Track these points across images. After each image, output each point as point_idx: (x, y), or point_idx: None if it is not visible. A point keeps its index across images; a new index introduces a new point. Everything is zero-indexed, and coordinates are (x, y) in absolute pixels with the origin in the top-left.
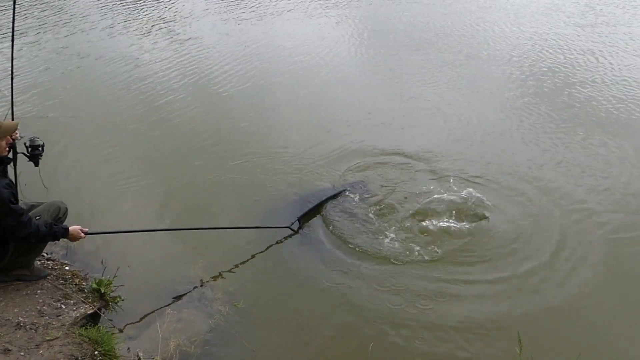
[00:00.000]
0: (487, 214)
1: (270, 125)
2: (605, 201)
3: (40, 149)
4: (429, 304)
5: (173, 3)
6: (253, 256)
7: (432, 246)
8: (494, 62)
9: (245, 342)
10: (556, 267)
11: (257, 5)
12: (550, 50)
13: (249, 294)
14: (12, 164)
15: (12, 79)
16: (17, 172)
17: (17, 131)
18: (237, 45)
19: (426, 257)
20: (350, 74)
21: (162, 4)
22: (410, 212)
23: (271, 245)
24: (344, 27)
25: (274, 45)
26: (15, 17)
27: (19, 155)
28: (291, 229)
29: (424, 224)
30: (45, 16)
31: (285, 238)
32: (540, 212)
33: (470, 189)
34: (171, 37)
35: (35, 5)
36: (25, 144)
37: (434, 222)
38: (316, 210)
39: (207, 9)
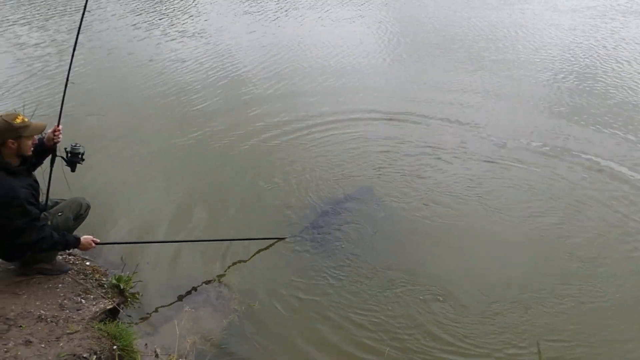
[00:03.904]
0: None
1: (303, 131)
2: None
3: (80, 156)
4: (444, 307)
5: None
6: (271, 258)
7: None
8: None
9: (258, 343)
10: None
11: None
12: None
13: (264, 296)
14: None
15: (66, 85)
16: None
17: (60, 134)
18: (265, 45)
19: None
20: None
21: (190, 3)
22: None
23: (289, 250)
24: (382, 31)
25: (305, 45)
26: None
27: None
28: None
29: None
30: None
31: (304, 244)
32: None
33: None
34: (199, 36)
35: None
36: (65, 149)
37: None
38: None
39: (235, 9)
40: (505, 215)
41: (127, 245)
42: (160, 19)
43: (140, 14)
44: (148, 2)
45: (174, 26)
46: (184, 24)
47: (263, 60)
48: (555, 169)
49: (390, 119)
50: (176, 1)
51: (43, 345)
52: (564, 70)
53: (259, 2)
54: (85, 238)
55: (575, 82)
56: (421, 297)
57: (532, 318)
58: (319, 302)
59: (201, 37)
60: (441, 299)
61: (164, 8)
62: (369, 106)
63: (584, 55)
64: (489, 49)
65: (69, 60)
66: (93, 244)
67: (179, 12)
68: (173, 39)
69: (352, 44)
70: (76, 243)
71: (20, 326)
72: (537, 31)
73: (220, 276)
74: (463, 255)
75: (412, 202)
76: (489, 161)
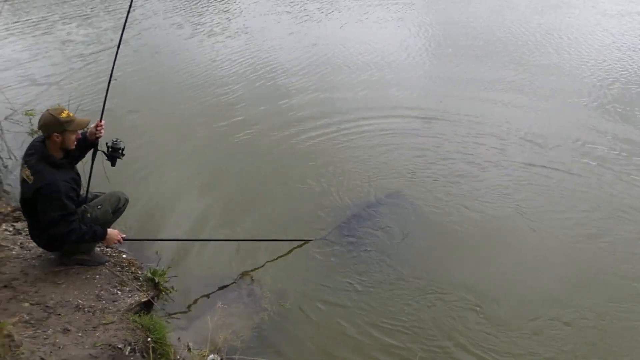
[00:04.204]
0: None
1: (339, 133)
2: None
3: (120, 151)
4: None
5: (245, 3)
6: (301, 260)
7: None
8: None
9: (287, 344)
10: None
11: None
12: None
13: (294, 297)
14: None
15: (109, 81)
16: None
17: (102, 129)
18: (306, 46)
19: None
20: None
21: (233, 3)
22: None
23: (319, 252)
24: (423, 34)
25: (341, 46)
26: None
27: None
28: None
29: None
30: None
31: (333, 246)
32: None
33: None
34: (241, 36)
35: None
36: (107, 143)
37: None
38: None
39: (277, 9)
40: (544, 225)
41: (162, 240)
42: (203, 19)
43: (184, 14)
44: (192, 2)
45: (217, 25)
46: (226, 23)
47: (302, 60)
48: (600, 177)
49: (427, 120)
50: (221, 1)
51: (80, 334)
52: (611, 76)
53: (300, 3)
54: (112, 231)
55: (623, 89)
56: (454, 308)
57: (574, 338)
58: (347, 307)
59: (243, 36)
60: (475, 310)
61: (208, 7)
62: (406, 106)
63: (632, 61)
64: (533, 53)
65: (113, 58)
66: (119, 238)
67: (222, 12)
68: (215, 38)
69: (392, 45)
70: (103, 235)
71: (59, 314)
72: (584, 36)
73: (252, 274)
74: (498, 265)
75: (444, 206)
76: (528, 166)
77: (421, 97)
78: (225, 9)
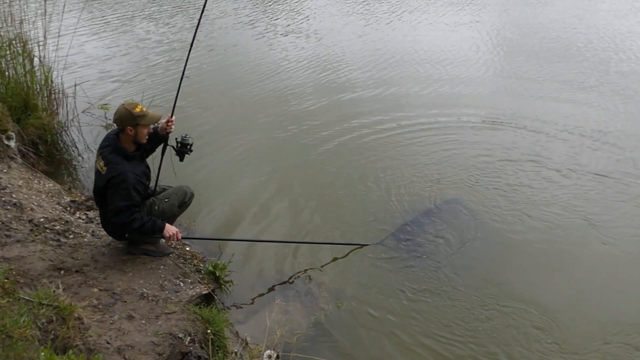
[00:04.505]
0: None
1: (402, 135)
2: None
3: (189, 147)
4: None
5: (317, 4)
6: (357, 263)
7: None
8: None
9: (342, 345)
10: None
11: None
12: None
13: (350, 299)
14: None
15: (181, 79)
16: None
17: (173, 125)
18: (378, 49)
19: None
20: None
21: (305, 3)
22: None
23: (375, 257)
24: (499, 37)
25: (409, 49)
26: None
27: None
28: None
29: None
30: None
31: (389, 252)
32: None
33: None
34: (311, 37)
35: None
36: (176, 139)
37: None
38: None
39: (348, 11)
40: (617, 240)
41: (226, 235)
42: (274, 19)
43: (256, 14)
44: (264, 2)
45: (287, 26)
46: (297, 23)
47: (372, 62)
48: None
49: (494, 123)
50: (292, 1)
51: (144, 322)
52: None
53: (372, 5)
54: (171, 227)
55: None
56: (514, 323)
57: None
58: (402, 314)
59: (312, 37)
60: (539, 328)
61: (279, 8)
62: (473, 109)
63: None
64: (613, 59)
65: (186, 56)
66: (178, 236)
67: (293, 12)
68: (286, 39)
69: (466, 49)
70: (162, 227)
71: (125, 301)
72: None
73: (309, 274)
74: (564, 279)
75: (507, 215)
76: (602, 176)
77: (490, 100)
78: (296, 10)
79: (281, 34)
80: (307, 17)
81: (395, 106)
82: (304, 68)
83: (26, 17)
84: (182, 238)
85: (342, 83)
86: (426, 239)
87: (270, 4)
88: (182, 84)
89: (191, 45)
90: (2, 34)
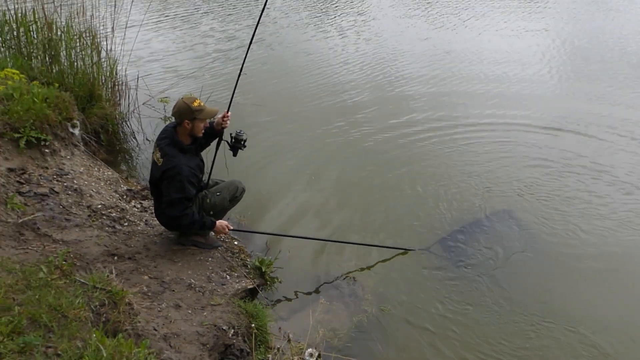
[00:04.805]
0: None
1: (457, 140)
2: None
3: (242, 142)
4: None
5: (381, 6)
6: (403, 268)
7: None
8: None
9: (382, 349)
10: None
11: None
12: None
13: (393, 304)
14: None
15: (239, 75)
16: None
17: (228, 120)
18: (437, 53)
19: None
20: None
21: (368, 5)
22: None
23: (421, 263)
24: (567, 46)
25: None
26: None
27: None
28: (430, 251)
29: None
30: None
31: (435, 259)
32: None
33: None
34: (373, 39)
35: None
36: (231, 134)
37: None
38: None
39: (412, 14)
40: None
41: (270, 234)
42: (337, 20)
43: (319, 15)
44: (329, 2)
45: (350, 28)
46: (360, 25)
47: (432, 67)
48: None
49: (553, 131)
50: (355, 3)
51: (190, 311)
52: None
53: (436, 8)
54: (221, 222)
55: None
56: (562, 344)
57: None
58: (445, 324)
59: (375, 39)
60: (589, 350)
61: (343, 9)
62: (533, 118)
63: None
64: None
65: (245, 53)
66: (226, 230)
67: (357, 14)
68: (347, 40)
69: (530, 56)
70: (212, 226)
71: (173, 290)
72: None
73: (354, 275)
74: (620, 301)
75: (559, 229)
76: None
77: (555, 105)
78: (361, 11)
79: (344, 35)
80: (371, 18)
81: (451, 105)
82: (363, 70)
83: (96, 11)
84: (231, 230)
85: (401, 87)
86: (473, 250)
87: (335, 5)
88: (239, 81)
89: (250, 43)
90: (73, 26)
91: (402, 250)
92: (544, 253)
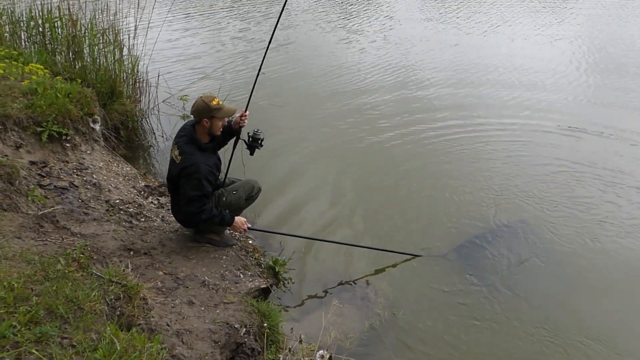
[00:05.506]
0: None
1: (478, 148)
2: None
3: (260, 142)
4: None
5: (395, 6)
6: (415, 273)
7: None
8: None
9: (394, 354)
10: None
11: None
12: None
13: (409, 307)
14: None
15: (257, 75)
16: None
17: (246, 119)
18: (466, 59)
19: None
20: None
21: (396, 10)
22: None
23: (433, 270)
24: (600, 55)
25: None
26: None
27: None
28: (446, 258)
29: None
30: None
31: (447, 266)
32: None
33: None
34: (402, 44)
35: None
36: (248, 133)
37: None
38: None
39: (443, 19)
40: None
41: (285, 235)
42: (363, 23)
43: (347, 18)
44: (357, 5)
45: (378, 32)
46: (389, 29)
47: (459, 72)
48: None
49: (576, 131)
50: (383, 7)
51: (203, 308)
52: None
53: (467, 14)
54: (239, 219)
55: None
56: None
57: None
58: (457, 334)
59: (403, 44)
60: None
61: (369, 12)
62: (562, 122)
63: None
64: None
65: (263, 53)
66: (245, 227)
67: (385, 18)
68: (373, 44)
69: (562, 63)
70: (231, 221)
71: (187, 287)
72: None
73: (368, 279)
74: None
75: (576, 237)
76: None
77: (582, 110)
78: (389, 15)
79: (370, 39)
80: (399, 22)
81: (471, 110)
82: (387, 75)
83: (120, 9)
84: (248, 228)
85: (428, 94)
86: (488, 258)
87: (364, 8)
88: (257, 81)
89: (269, 44)
90: (97, 24)
91: (419, 257)
92: (560, 263)
